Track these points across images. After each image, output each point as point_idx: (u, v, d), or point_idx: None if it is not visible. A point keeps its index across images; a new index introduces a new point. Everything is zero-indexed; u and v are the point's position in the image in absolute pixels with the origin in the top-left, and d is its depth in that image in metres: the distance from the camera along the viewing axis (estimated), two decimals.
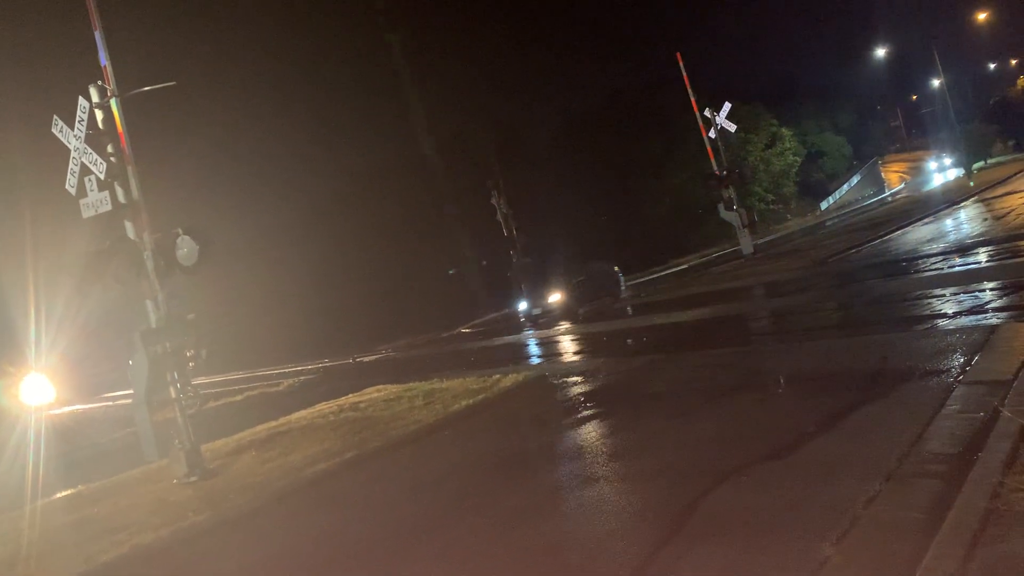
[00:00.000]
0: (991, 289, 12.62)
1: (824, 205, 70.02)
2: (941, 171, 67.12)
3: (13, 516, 9.39)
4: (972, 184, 45.02)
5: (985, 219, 24.82)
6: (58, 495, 10.34)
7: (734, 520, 5.56)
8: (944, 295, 13.04)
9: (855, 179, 77.46)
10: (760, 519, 5.46)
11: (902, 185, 75.87)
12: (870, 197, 67.78)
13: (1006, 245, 17.20)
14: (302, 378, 22.56)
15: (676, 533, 5.57)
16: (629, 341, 15.66)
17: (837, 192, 73.93)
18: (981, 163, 59.74)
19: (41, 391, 13.14)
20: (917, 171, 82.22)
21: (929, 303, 12.77)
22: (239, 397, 19.25)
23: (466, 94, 48.16)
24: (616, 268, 27.47)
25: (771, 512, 5.54)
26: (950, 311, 11.69)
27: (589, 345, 16.64)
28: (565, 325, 22.58)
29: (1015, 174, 44.47)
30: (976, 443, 5.76)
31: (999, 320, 10.25)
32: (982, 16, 62.70)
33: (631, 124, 56.88)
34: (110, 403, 25.81)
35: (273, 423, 13.18)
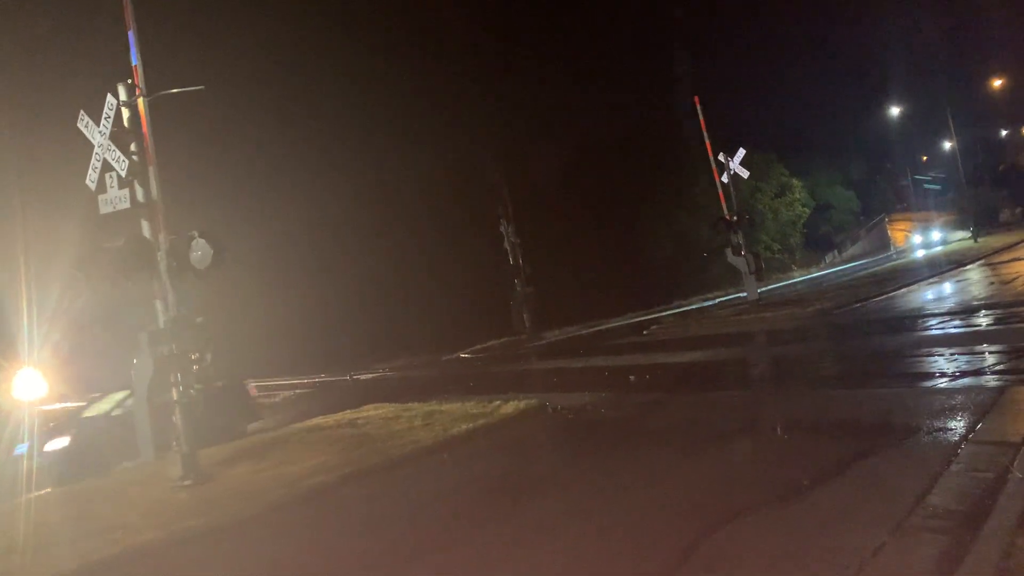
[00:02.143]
0: (997, 352, 12.60)
1: (829, 258, 70.20)
2: (941, 235, 64.84)
3: (6, 510, 9.32)
4: (978, 246, 45.23)
5: (991, 283, 24.84)
6: (52, 490, 10.26)
7: (734, 563, 5.51)
8: (950, 355, 13.01)
9: (861, 234, 77.70)
10: (763, 563, 5.41)
11: (907, 244, 76.14)
12: (876, 253, 67.94)
13: (1012, 310, 17.20)
14: (298, 391, 22.52)
15: (678, 570, 5.51)
16: (631, 378, 15.61)
17: (843, 246, 74.16)
18: (971, 232, 58.96)
19: (33, 386, 13.11)
20: (924, 231, 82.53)
21: (935, 361, 12.74)
22: None
23: (480, 121, 48.40)
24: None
25: (773, 556, 5.48)
26: (956, 371, 11.65)
27: (590, 379, 16.59)
28: (565, 358, 22.53)
29: (1020, 241, 44.61)
30: (985, 502, 5.72)
31: (1007, 382, 10.22)
32: (997, 83, 63.28)
33: (643, 163, 57.17)
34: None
35: (269, 434, 13.12)
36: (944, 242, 58.56)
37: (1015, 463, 6.41)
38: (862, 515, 5.96)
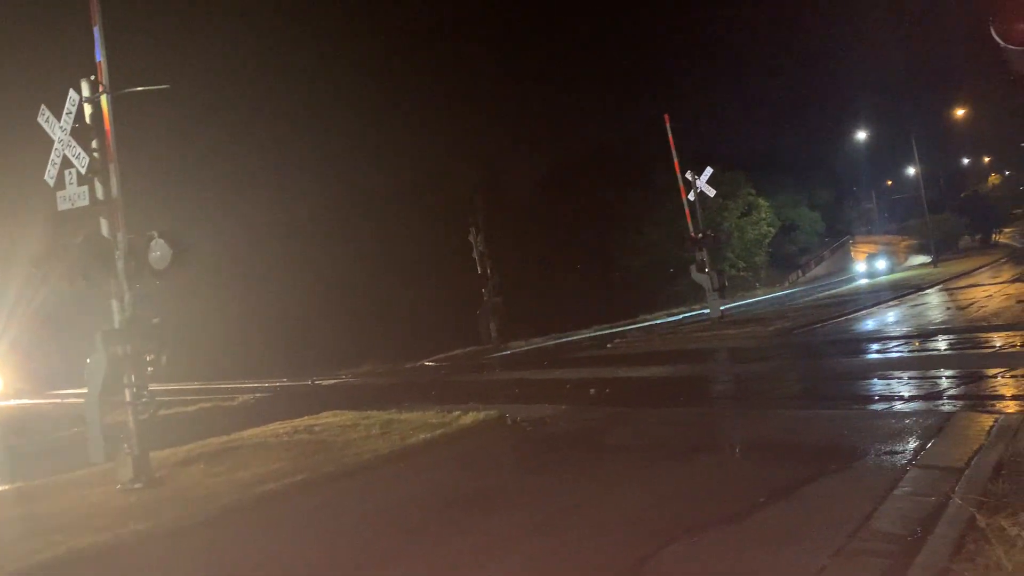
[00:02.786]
0: (949, 377, 12.85)
1: (793, 277, 71.10)
2: (887, 263, 60.44)
3: None
4: (937, 271, 46.04)
5: (948, 308, 25.33)
6: None
7: None
8: (903, 378, 13.25)
9: (825, 255, 78.83)
10: None
11: (869, 266, 77.37)
12: (839, 274, 68.92)
13: (967, 335, 17.55)
14: (258, 395, 22.30)
15: None
16: (592, 391, 15.68)
17: (807, 266, 75.17)
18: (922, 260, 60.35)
19: None
20: (888, 254, 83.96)
21: (888, 384, 12.96)
22: (192, 408, 18.95)
23: (451, 131, 48.46)
24: None
25: (720, 574, 5.54)
26: (908, 394, 11.87)
27: (552, 391, 16.63)
28: (529, 369, 22.57)
29: (978, 267, 45.59)
30: (926, 526, 5.83)
31: (955, 408, 10.42)
32: (960, 112, 64.65)
33: (613, 177, 57.60)
34: (59, 400, 25.23)
35: (225, 437, 12.98)
36: (891, 271, 56.82)
37: (956, 488, 6.54)
38: (806, 537, 6.04)
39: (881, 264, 58.05)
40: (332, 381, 26.49)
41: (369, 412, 14.28)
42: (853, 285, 49.63)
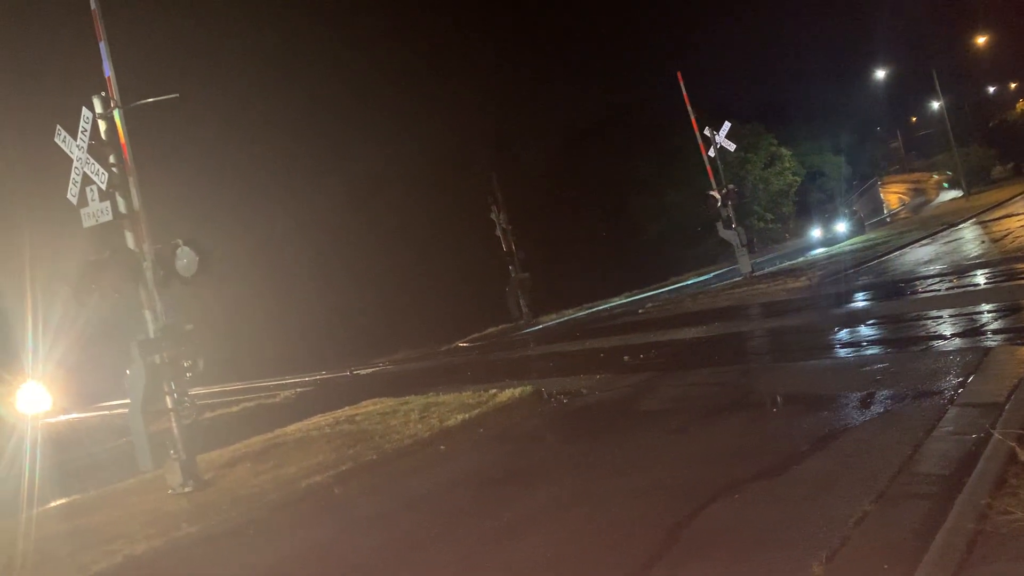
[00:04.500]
0: (986, 311, 12.68)
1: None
2: (848, 227, 43.20)
3: (7, 525, 9.37)
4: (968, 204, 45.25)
5: (983, 242, 24.91)
6: (53, 504, 10.33)
7: (724, 538, 5.59)
8: (939, 316, 13.10)
9: (854, 200, 77.71)
10: (750, 537, 5.49)
11: (901, 206, 76.17)
12: (870, 217, 67.97)
13: (1002, 268, 17.27)
14: (298, 390, 22.56)
15: (668, 550, 5.60)
16: (626, 358, 15.68)
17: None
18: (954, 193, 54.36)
19: (37, 400, 13.15)
20: (916, 192, 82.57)
21: (924, 324, 12.83)
22: (235, 408, 19.23)
23: (465, 109, 48.37)
24: None
25: (761, 530, 5.57)
26: (946, 332, 11.74)
27: (586, 362, 16.65)
28: (562, 342, 22.60)
29: (1012, 197, 44.66)
30: (967, 465, 5.80)
31: (993, 343, 10.30)
32: (981, 40, 63.10)
33: (630, 141, 57.13)
34: (106, 412, 25.76)
35: (269, 435, 13.18)
36: (856, 233, 42.59)
37: (997, 423, 6.49)
38: (847, 485, 6.04)
39: (841, 227, 44.11)
40: (370, 370, 26.71)
41: (408, 397, 14.41)
42: (884, 227, 48.92)
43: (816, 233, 43.97)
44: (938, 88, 58.26)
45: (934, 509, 5.19)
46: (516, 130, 51.19)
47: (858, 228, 44.38)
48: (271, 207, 42.84)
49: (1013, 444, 5.52)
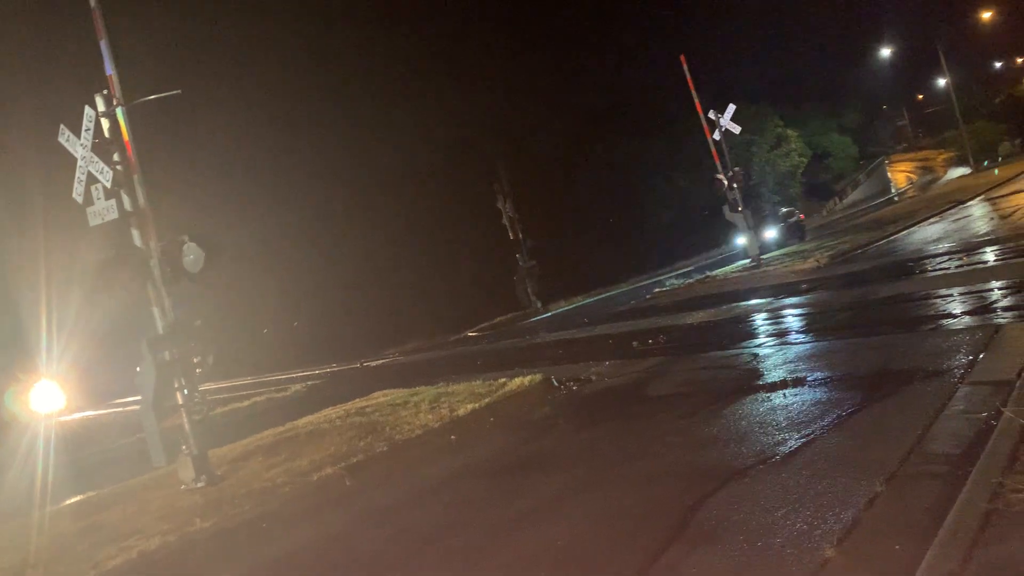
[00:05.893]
0: (996, 288, 12.61)
1: (831, 205, 69.92)
2: (775, 235, 33.46)
3: (22, 523, 9.45)
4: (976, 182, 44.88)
5: (991, 218, 24.76)
6: (67, 502, 10.41)
7: (737, 522, 5.58)
8: (949, 295, 13.04)
9: (862, 179, 77.31)
10: (761, 519, 5.48)
11: (908, 184, 75.69)
12: (877, 197, 67.61)
13: (1011, 244, 17.16)
14: (309, 383, 22.64)
15: (680, 535, 5.59)
16: (635, 344, 15.67)
17: (843, 192, 73.84)
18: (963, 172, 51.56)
19: (51, 398, 13.20)
20: (924, 170, 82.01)
21: (934, 303, 12.77)
22: (246, 403, 19.31)
23: (470, 98, 48.20)
24: None
25: (773, 513, 5.56)
26: (955, 311, 11.69)
27: (595, 349, 16.66)
28: (571, 329, 22.60)
29: (1020, 173, 44.30)
30: (978, 444, 5.78)
31: (1004, 320, 10.24)
32: (987, 15, 62.50)
33: (636, 126, 56.96)
34: (119, 409, 25.93)
35: (280, 428, 13.22)
36: (789, 242, 33.50)
37: (1008, 401, 6.45)
38: (859, 466, 6.03)
39: (770, 234, 33.96)
40: (380, 361, 26.78)
41: (418, 388, 14.43)
42: (892, 206, 48.67)
43: (740, 241, 31.11)
44: (944, 65, 57.81)
45: (946, 489, 5.17)
46: (523, 118, 51.01)
47: (789, 237, 34.16)
48: (278, 201, 42.87)
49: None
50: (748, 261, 27.40)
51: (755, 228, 27.95)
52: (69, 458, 13.89)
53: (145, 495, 10.00)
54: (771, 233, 34.04)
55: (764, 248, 30.08)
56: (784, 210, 37.96)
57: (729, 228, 32.32)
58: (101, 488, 10.89)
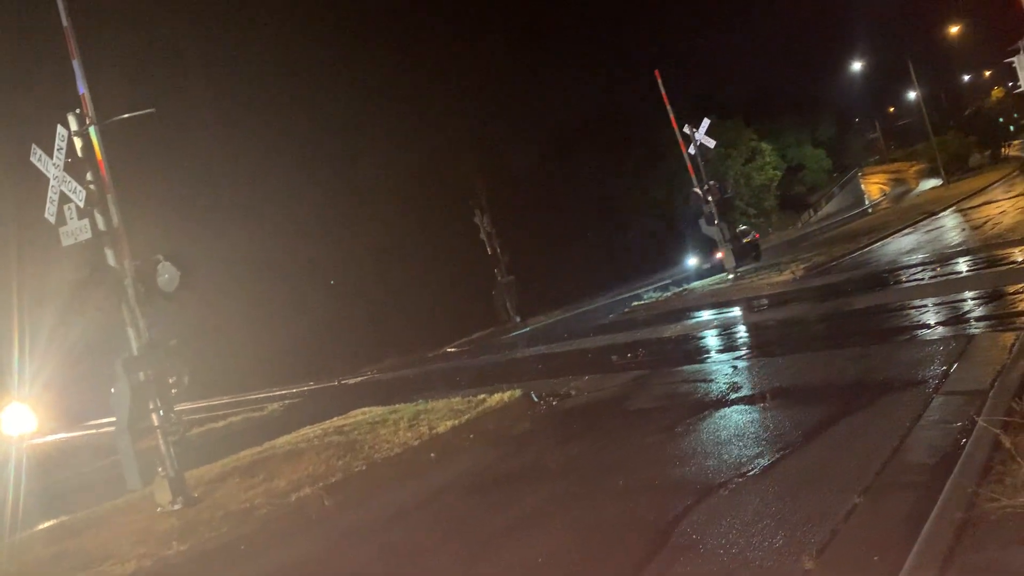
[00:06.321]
0: (968, 299, 12.77)
1: (805, 217, 70.61)
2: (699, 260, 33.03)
3: None
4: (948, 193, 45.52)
5: (963, 229, 25.10)
6: (39, 527, 10.21)
7: (716, 533, 5.60)
8: (922, 306, 13.18)
9: (835, 192, 78.16)
10: (741, 532, 5.50)
11: (882, 196, 76.65)
12: (851, 209, 68.35)
13: (983, 255, 17.41)
14: (286, 402, 22.46)
15: (660, 549, 5.60)
16: (614, 357, 15.71)
17: (818, 205, 74.60)
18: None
19: (22, 421, 13.00)
20: (896, 182, 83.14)
21: (908, 314, 12.91)
22: (222, 423, 19.11)
23: (447, 114, 48.33)
24: None
25: (752, 525, 5.58)
26: (928, 321, 11.82)
27: (574, 363, 16.67)
28: (550, 343, 22.60)
29: (990, 184, 45.02)
30: (953, 453, 5.83)
31: (977, 330, 10.37)
32: (955, 30, 63.59)
33: (613, 141, 57.32)
34: (94, 431, 25.55)
35: (257, 448, 13.09)
36: (703, 274, 31.12)
37: (982, 411, 6.52)
38: (836, 478, 6.06)
39: (693, 260, 33.53)
40: (358, 379, 26.62)
41: (397, 406, 14.35)
42: (866, 218, 49.22)
43: (692, 261, 31.40)
44: (914, 78, 58.74)
45: (922, 498, 5.21)
46: (501, 133, 51.20)
47: (743, 257, 28.80)
48: (253, 219, 42.63)
49: (998, 431, 5.55)
50: (725, 274, 27.56)
51: (730, 241, 28.11)
52: (41, 482, 13.67)
53: (120, 519, 9.85)
54: (694, 259, 33.31)
55: (704, 274, 29.19)
56: (740, 228, 33.69)
57: (697, 243, 32.42)
58: (75, 512, 10.70)
